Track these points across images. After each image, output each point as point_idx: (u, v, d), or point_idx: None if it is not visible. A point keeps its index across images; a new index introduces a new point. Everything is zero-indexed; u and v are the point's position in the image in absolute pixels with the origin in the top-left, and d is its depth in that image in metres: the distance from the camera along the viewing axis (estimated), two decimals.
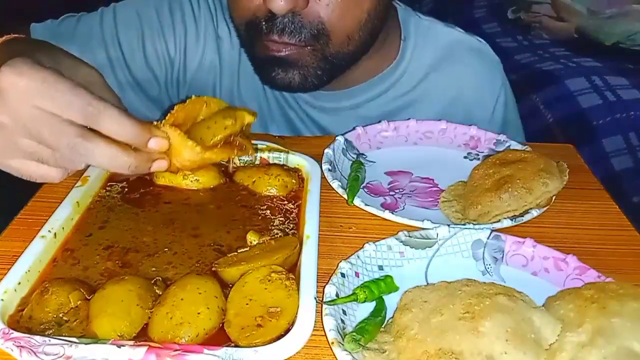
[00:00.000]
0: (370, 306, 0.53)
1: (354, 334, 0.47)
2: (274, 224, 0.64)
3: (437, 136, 0.83)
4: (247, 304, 0.51)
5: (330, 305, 0.50)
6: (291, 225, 0.64)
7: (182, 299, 0.50)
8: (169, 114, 0.57)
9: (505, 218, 0.64)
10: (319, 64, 0.78)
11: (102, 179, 0.70)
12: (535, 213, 0.65)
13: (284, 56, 0.76)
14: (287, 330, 0.48)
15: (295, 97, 0.93)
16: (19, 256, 0.55)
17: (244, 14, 0.77)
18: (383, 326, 0.51)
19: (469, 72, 0.97)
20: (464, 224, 0.63)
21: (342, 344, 0.46)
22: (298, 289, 0.52)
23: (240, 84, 0.95)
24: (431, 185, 0.74)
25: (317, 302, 0.51)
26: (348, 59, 0.81)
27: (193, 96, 0.60)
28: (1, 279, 0.52)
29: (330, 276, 0.54)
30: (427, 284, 0.55)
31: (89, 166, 0.69)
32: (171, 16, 0.92)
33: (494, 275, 0.59)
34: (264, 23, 0.74)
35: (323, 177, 0.70)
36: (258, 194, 0.70)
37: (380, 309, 0.52)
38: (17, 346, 0.44)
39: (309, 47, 0.76)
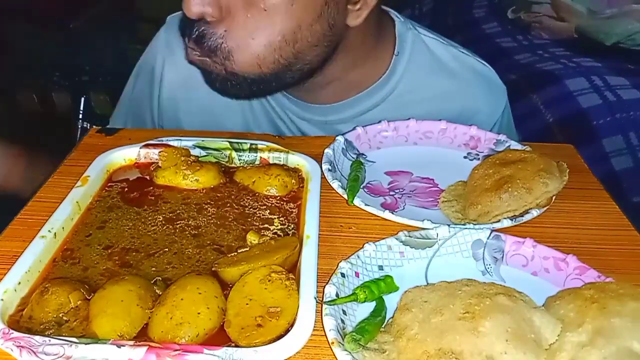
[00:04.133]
0: (370, 306, 0.53)
1: (354, 334, 0.47)
2: (274, 224, 0.64)
3: (437, 136, 0.83)
4: (247, 304, 0.51)
5: (330, 305, 0.50)
6: (291, 225, 0.64)
7: (182, 299, 0.50)
8: None
9: (505, 218, 0.64)
10: (227, 77, 0.75)
11: (102, 179, 0.70)
12: (535, 213, 0.65)
13: (196, 63, 0.76)
14: (287, 330, 0.48)
15: (284, 108, 0.92)
16: (19, 256, 0.55)
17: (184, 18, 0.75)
18: (383, 326, 0.51)
19: (472, 97, 0.94)
20: (464, 224, 0.63)
21: (342, 344, 0.46)
22: (298, 289, 0.52)
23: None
24: (431, 185, 0.74)
25: (317, 302, 0.51)
26: (276, 79, 0.76)
27: None
28: (1, 279, 0.52)
29: (330, 276, 0.54)
30: (427, 284, 0.55)
31: (90, 165, 0.70)
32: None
33: (494, 275, 0.59)
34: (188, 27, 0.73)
35: (323, 177, 0.70)
36: (258, 194, 0.70)
37: (380, 309, 0.52)
38: (17, 346, 0.44)
39: (211, 60, 0.74)
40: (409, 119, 0.83)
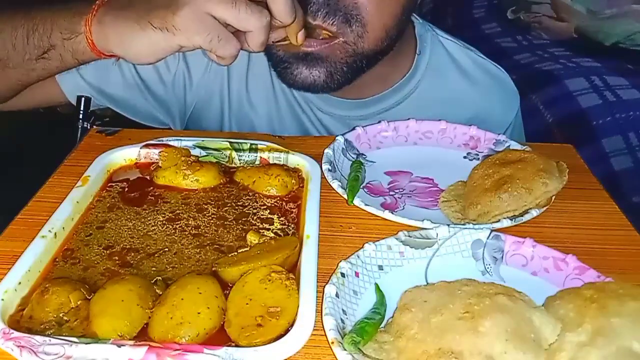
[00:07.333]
0: (370, 305, 0.53)
1: (354, 334, 0.47)
2: (274, 224, 0.64)
3: (437, 136, 0.83)
4: (247, 304, 0.51)
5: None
6: (291, 225, 0.64)
7: (182, 299, 0.50)
8: None
9: (505, 218, 0.64)
10: (347, 60, 0.77)
11: (103, 179, 0.70)
12: (535, 213, 0.65)
13: (313, 51, 0.76)
14: (287, 330, 0.48)
15: (307, 101, 0.92)
16: (20, 256, 0.55)
17: None
18: (383, 326, 0.51)
19: (487, 100, 0.95)
20: (463, 224, 0.63)
21: (342, 344, 0.46)
22: (298, 289, 0.52)
23: (249, 87, 0.95)
24: (431, 185, 0.74)
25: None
26: (376, 57, 0.80)
27: None
28: (1, 279, 0.52)
29: (330, 276, 0.54)
30: (427, 283, 0.55)
31: (90, 165, 0.70)
32: None
33: (493, 275, 0.59)
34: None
35: (323, 177, 0.70)
36: (258, 194, 0.70)
37: (380, 308, 0.52)
38: (18, 346, 0.44)
39: (341, 39, 0.75)
40: (408, 119, 0.83)
